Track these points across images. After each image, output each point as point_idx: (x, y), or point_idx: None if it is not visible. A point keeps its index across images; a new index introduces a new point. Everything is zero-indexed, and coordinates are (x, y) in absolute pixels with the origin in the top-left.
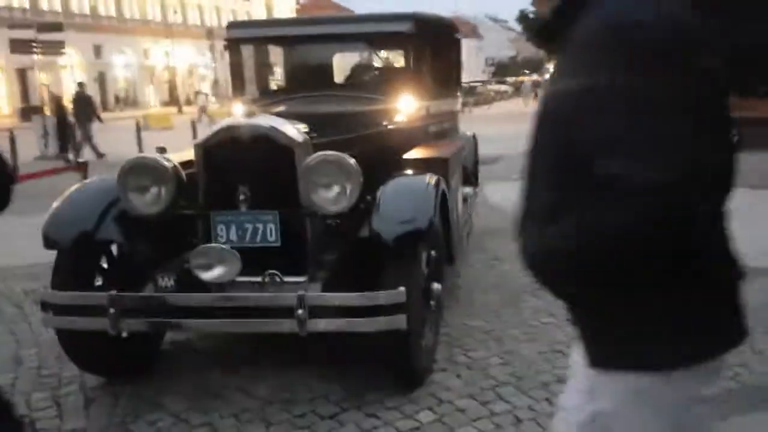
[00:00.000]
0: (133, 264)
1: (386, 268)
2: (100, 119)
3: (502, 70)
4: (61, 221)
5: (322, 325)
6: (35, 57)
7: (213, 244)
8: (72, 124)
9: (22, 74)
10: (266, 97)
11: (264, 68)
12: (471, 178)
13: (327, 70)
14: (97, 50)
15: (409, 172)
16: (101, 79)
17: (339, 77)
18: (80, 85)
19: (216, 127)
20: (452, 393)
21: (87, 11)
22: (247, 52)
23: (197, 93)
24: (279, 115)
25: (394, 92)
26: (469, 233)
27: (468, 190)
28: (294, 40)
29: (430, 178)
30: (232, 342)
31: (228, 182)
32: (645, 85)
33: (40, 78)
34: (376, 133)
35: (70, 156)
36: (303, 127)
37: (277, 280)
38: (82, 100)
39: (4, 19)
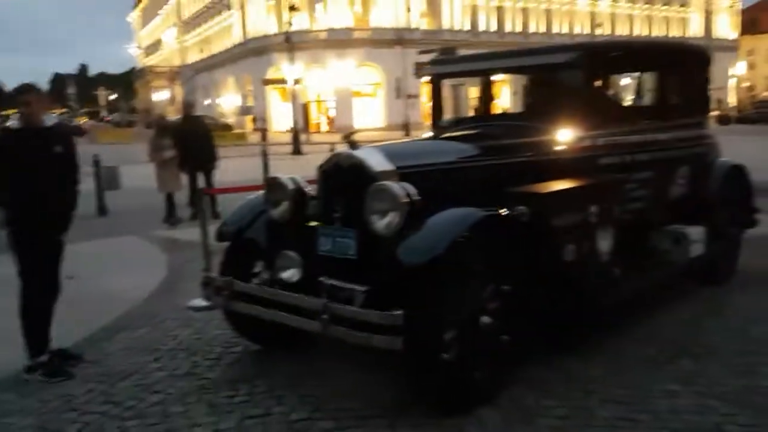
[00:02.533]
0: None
1: (403, 291)
2: None
3: None
4: (227, 223)
5: (340, 332)
6: None
7: (287, 251)
8: None
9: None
10: (452, 123)
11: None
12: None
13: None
14: None
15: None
16: None
17: (519, 105)
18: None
19: (330, 155)
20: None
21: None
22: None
23: None
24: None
25: (557, 122)
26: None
27: (692, 230)
28: (475, 73)
29: (477, 211)
30: None
31: (332, 201)
32: None
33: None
34: (483, 164)
35: None
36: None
37: (332, 285)
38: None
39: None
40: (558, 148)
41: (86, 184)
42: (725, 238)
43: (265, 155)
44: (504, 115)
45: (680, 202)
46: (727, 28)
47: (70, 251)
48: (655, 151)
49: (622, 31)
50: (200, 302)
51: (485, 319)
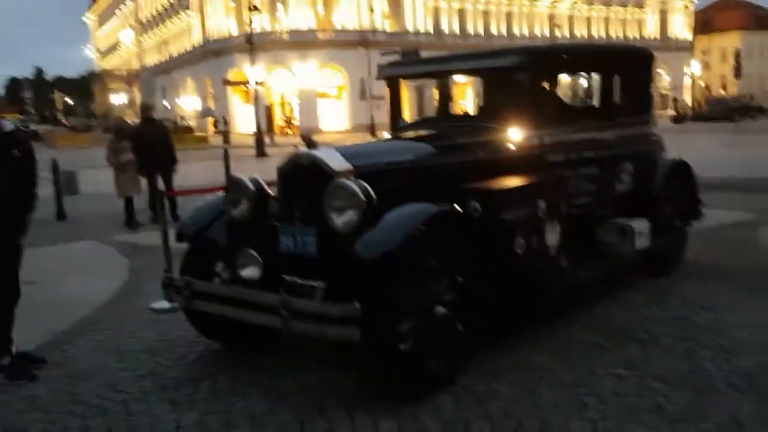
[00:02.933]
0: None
1: (361, 284)
2: None
3: None
4: (186, 224)
5: (300, 327)
6: None
7: (248, 250)
8: None
9: None
10: (410, 124)
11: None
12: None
13: (456, 100)
14: None
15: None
16: None
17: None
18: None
19: (288, 155)
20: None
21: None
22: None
23: None
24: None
25: (506, 122)
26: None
27: (637, 223)
28: (428, 75)
29: (430, 207)
30: None
31: (292, 200)
32: None
33: None
34: (437, 163)
35: None
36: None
37: (293, 282)
38: None
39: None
40: (508, 146)
41: (44, 189)
42: (671, 230)
43: (227, 157)
44: (460, 116)
45: (625, 196)
46: (682, 28)
47: (30, 255)
48: (599, 148)
49: (580, 32)
50: (163, 304)
51: (440, 310)
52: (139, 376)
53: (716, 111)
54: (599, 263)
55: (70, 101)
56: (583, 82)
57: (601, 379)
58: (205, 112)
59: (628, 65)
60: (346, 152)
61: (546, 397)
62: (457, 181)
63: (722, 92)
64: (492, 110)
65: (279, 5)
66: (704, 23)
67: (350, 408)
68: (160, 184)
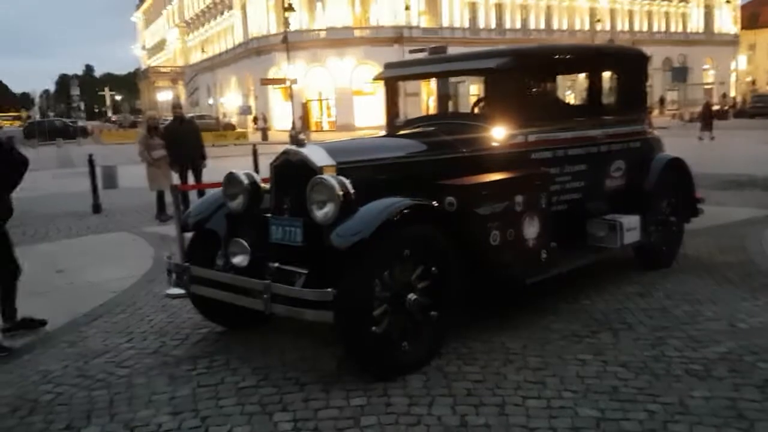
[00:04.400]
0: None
1: (336, 271)
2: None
3: None
4: (191, 216)
5: (280, 309)
6: None
7: (238, 239)
8: None
9: None
10: (405, 122)
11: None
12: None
13: (448, 99)
14: None
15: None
16: None
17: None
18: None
19: (281, 152)
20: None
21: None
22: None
23: None
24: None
25: (494, 120)
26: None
27: (627, 219)
28: (421, 76)
29: (403, 201)
30: None
31: (282, 194)
32: None
33: None
34: (419, 160)
35: None
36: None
37: (279, 268)
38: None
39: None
40: (491, 144)
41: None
42: (665, 226)
43: (255, 153)
44: (453, 115)
45: (616, 192)
46: (727, 22)
47: (62, 246)
48: (589, 146)
49: (622, 26)
50: (178, 290)
51: (414, 297)
52: (145, 354)
53: (759, 107)
54: (582, 254)
55: (117, 97)
56: (576, 82)
57: (566, 364)
58: (244, 110)
59: (620, 66)
60: (332, 149)
61: (510, 378)
62: (437, 177)
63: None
64: (482, 109)
65: (318, 4)
66: (751, 17)
67: (326, 383)
68: (191, 180)
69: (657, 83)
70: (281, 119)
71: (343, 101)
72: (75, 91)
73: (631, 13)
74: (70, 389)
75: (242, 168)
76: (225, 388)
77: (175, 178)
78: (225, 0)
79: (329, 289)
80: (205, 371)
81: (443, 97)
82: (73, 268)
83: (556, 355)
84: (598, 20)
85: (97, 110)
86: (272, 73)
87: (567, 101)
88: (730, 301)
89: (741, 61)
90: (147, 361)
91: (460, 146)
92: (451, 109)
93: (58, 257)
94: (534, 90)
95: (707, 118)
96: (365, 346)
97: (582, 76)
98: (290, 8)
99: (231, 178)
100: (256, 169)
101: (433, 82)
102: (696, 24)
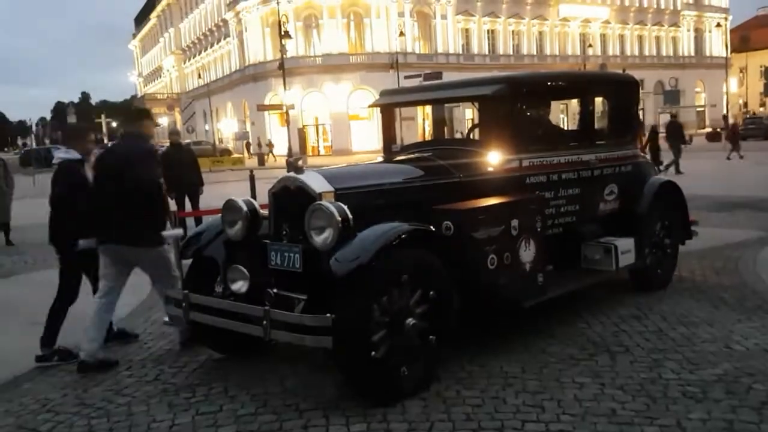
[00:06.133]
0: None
1: (334, 297)
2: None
3: None
4: (190, 243)
5: (279, 335)
6: None
7: (237, 266)
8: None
9: None
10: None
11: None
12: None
13: (444, 125)
14: None
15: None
16: None
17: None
18: (673, 115)
19: (279, 179)
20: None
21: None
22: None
23: None
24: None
25: (489, 146)
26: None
27: (621, 241)
28: (416, 103)
29: (401, 226)
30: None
31: (280, 220)
32: None
33: None
34: (416, 185)
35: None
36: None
37: (278, 294)
38: (674, 126)
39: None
40: (486, 169)
41: None
42: (660, 249)
43: (252, 179)
44: (447, 140)
45: (610, 215)
46: (718, 45)
47: (56, 273)
48: (582, 170)
49: (613, 51)
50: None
51: (413, 322)
52: (144, 381)
53: (752, 129)
54: (577, 277)
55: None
56: (568, 107)
57: (564, 387)
58: (240, 135)
59: (611, 92)
60: (330, 175)
61: (509, 402)
62: (433, 202)
63: (761, 110)
64: (476, 135)
65: (313, 31)
66: (742, 40)
67: (326, 409)
68: (188, 206)
69: (649, 106)
70: (279, 145)
71: (340, 126)
72: (71, 119)
73: (622, 38)
74: (70, 417)
75: (239, 194)
76: (224, 415)
77: (173, 205)
78: (222, 27)
79: (328, 315)
80: (203, 399)
81: (439, 123)
82: None
83: (553, 378)
84: (590, 45)
85: (93, 138)
86: (269, 99)
87: (560, 126)
88: (725, 322)
89: (732, 84)
90: (146, 389)
91: (456, 171)
92: (446, 134)
93: (54, 284)
94: (528, 116)
95: (735, 137)
96: (364, 372)
97: (575, 101)
98: (287, 35)
99: (230, 205)
100: (253, 195)
101: (428, 108)
102: (687, 47)
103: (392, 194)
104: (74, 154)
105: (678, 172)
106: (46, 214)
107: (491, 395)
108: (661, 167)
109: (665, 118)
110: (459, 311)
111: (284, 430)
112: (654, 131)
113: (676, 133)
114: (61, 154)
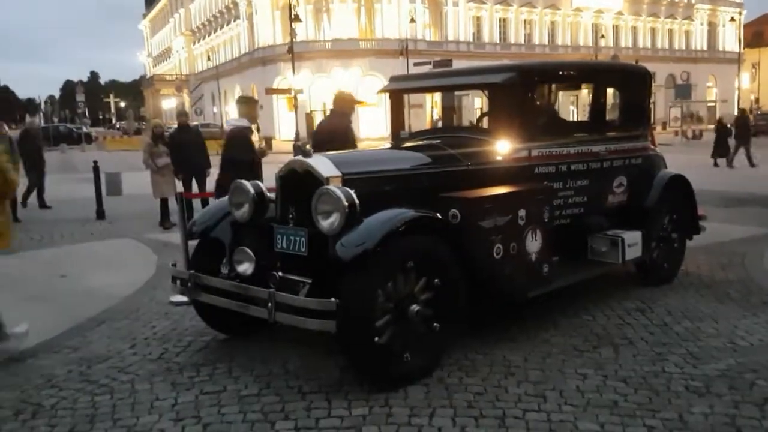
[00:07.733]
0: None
1: (339, 281)
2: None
3: None
4: (196, 224)
5: (283, 318)
6: None
7: (243, 248)
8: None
9: None
10: (410, 135)
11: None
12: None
13: (453, 112)
14: None
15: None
16: None
17: (470, 119)
18: (742, 110)
19: (286, 162)
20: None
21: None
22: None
23: None
24: (398, 149)
25: (498, 134)
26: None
27: (629, 234)
28: (426, 90)
29: (407, 213)
30: None
31: (287, 203)
32: None
33: None
34: (424, 172)
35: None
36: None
37: (283, 277)
38: (743, 120)
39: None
40: (495, 157)
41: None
42: (667, 243)
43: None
44: (456, 128)
45: (618, 208)
46: (732, 40)
47: (65, 252)
48: (590, 161)
49: (625, 42)
50: (181, 297)
51: (417, 308)
52: (148, 360)
53: (762, 125)
54: (584, 269)
55: (122, 104)
56: (579, 97)
57: (567, 378)
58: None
59: (624, 83)
60: (338, 160)
61: (511, 391)
62: (441, 189)
63: None
64: (486, 123)
65: (324, 15)
66: (755, 36)
67: (328, 392)
68: (195, 188)
69: (660, 100)
70: (286, 130)
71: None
72: (80, 98)
73: (635, 30)
74: (74, 394)
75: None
76: (227, 395)
77: (179, 186)
78: (232, 9)
79: (333, 299)
80: (207, 378)
81: (448, 110)
82: (77, 274)
83: (556, 368)
84: (602, 36)
85: (101, 117)
86: (277, 83)
87: (570, 116)
88: (730, 318)
89: (744, 79)
90: (150, 368)
91: (464, 159)
92: (455, 122)
93: (62, 263)
94: (538, 105)
95: (746, 131)
96: (368, 356)
97: (585, 92)
98: (297, 18)
99: (237, 188)
100: (261, 178)
101: (437, 95)
102: (700, 41)
103: (400, 181)
104: (244, 122)
105: (752, 164)
106: (51, 190)
107: (493, 384)
108: (733, 163)
109: (676, 112)
110: (465, 300)
111: (287, 411)
112: (723, 125)
113: (745, 126)
114: (233, 121)
